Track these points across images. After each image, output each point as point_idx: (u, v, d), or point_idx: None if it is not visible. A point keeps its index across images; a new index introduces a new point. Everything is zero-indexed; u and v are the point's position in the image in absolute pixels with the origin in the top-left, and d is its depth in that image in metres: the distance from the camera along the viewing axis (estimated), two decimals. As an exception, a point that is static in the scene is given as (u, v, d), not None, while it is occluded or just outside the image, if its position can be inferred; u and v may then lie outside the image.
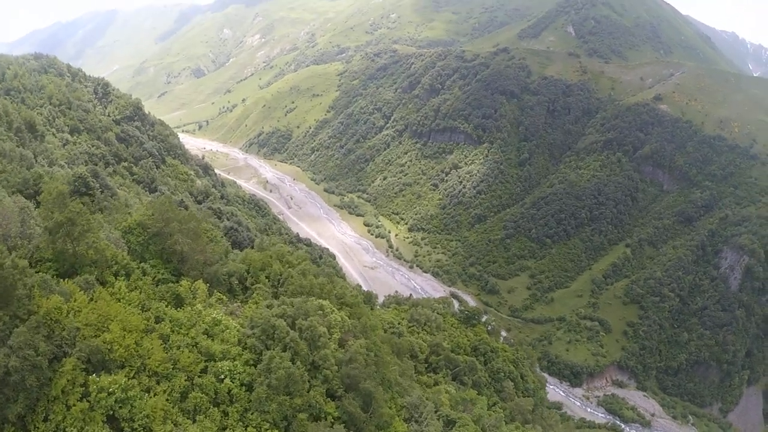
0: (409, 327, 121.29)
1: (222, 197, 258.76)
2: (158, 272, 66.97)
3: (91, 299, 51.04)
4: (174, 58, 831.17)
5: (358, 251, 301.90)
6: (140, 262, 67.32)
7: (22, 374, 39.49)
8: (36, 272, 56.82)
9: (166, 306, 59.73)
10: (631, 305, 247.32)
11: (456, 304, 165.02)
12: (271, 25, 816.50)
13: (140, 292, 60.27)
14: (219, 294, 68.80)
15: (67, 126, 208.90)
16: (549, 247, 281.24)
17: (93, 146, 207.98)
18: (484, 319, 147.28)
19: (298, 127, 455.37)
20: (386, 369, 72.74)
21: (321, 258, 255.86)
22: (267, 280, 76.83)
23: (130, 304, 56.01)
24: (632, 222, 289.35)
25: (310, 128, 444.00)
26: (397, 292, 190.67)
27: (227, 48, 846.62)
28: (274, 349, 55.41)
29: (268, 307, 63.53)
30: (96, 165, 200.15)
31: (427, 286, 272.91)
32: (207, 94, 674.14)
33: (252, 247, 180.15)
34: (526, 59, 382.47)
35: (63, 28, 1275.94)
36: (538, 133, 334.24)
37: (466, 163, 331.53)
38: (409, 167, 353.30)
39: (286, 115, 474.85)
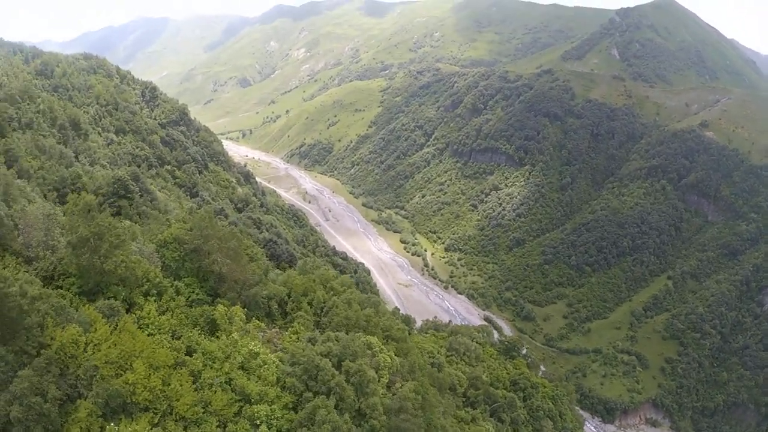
0: (448, 356, 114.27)
1: (262, 206, 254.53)
2: (193, 292, 61.04)
3: (115, 328, 44.48)
4: (221, 68, 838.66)
5: (394, 268, 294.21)
6: (174, 280, 61.44)
7: (26, 425, 32.64)
8: (56, 288, 50.95)
9: (200, 334, 53.43)
10: (670, 341, 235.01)
11: (496, 334, 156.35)
12: (317, 40, 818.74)
13: (172, 315, 54.25)
14: (258, 322, 62.09)
15: (113, 126, 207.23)
16: (588, 276, 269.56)
17: (137, 148, 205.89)
18: (524, 352, 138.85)
19: (339, 140, 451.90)
20: (432, 413, 65.35)
21: (356, 273, 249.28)
22: (309, 306, 70.37)
23: (159, 331, 49.88)
24: (675, 253, 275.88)
25: (352, 142, 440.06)
26: (435, 317, 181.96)
27: (273, 60, 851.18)
28: (317, 394, 48.32)
29: (310, 341, 56.48)
30: (139, 166, 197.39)
31: (461, 309, 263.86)
32: (252, 103, 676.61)
33: (290, 264, 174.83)
34: (570, 81, 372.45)
35: (115, 32, 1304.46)
36: (581, 157, 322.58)
37: (506, 185, 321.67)
38: (448, 186, 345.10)
39: (328, 128, 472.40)
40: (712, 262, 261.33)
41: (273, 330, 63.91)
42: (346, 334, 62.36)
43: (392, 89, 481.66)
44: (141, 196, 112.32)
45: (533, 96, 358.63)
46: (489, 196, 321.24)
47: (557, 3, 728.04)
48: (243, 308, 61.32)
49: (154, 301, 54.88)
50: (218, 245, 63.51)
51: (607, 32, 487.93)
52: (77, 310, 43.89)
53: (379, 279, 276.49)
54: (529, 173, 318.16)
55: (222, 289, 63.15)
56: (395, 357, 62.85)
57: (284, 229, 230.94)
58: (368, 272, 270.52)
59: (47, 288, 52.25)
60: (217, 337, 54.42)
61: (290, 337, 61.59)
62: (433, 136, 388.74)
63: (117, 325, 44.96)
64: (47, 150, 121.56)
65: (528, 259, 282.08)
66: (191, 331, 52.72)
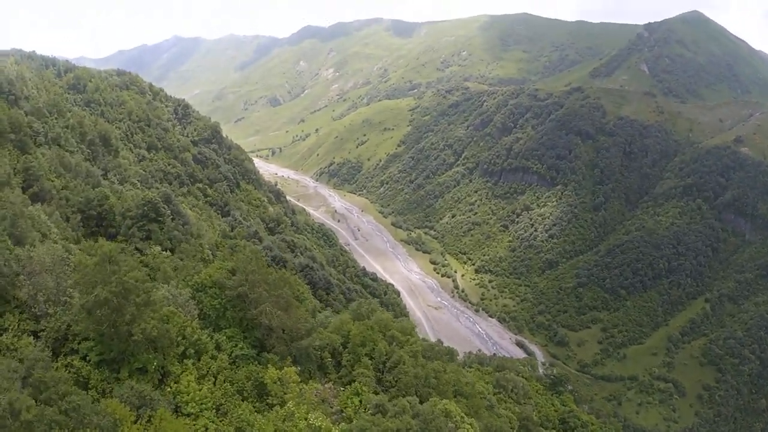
0: (496, 393, 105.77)
1: (292, 224, 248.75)
2: (236, 346, 53.04)
3: (149, 421, 36.63)
4: (252, 87, 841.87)
5: (423, 290, 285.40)
6: (213, 331, 53.52)
7: None
8: (70, 353, 43.29)
9: (249, 406, 45.55)
10: (708, 367, 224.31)
11: (541, 367, 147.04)
12: (345, 60, 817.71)
13: (214, 383, 46.47)
14: (314, 384, 53.65)
15: (145, 143, 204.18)
16: (623, 299, 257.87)
17: (169, 165, 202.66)
18: (570, 388, 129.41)
19: (368, 159, 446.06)
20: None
21: (385, 294, 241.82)
22: (370, 360, 61.75)
23: (202, 409, 42.15)
24: (712, 275, 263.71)
25: (381, 161, 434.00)
26: (478, 351, 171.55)
27: (303, 80, 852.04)
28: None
29: (379, 410, 47.81)
30: (170, 184, 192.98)
31: (492, 333, 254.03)
32: (282, 122, 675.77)
33: (327, 291, 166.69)
34: (600, 98, 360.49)
35: (148, 51, 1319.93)
36: (614, 176, 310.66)
37: (538, 205, 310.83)
38: (478, 206, 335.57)
39: (357, 147, 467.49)
40: (751, 284, 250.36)
41: (327, 385, 55.45)
42: (417, 396, 54.32)
43: (421, 108, 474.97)
44: (173, 219, 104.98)
45: (564, 114, 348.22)
46: (520, 217, 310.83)
47: (583, 20, 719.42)
48: (293, 362, 53.56)
49: (192, 364, 47.28)
50: (267, 293, 55.16)
51: (636, 48, 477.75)
52: (97, 404, 35.83)
53: (408, 301, 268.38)
54: (561, 193, 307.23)
55: (269, 341, 55.06)
56: (475, 424, 54.07)
57: (316, 249, 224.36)
58: (398, 294, 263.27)
59: (60, 355, 44.61)
60: (269, 405, 46.85)
61: (350, 399, 53.16)
62: (463, 156, 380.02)
63: (150, 418, 37.03)
64: (73, 168, 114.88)
65: (561, 281, 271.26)
66: (239, 405, 44.84)
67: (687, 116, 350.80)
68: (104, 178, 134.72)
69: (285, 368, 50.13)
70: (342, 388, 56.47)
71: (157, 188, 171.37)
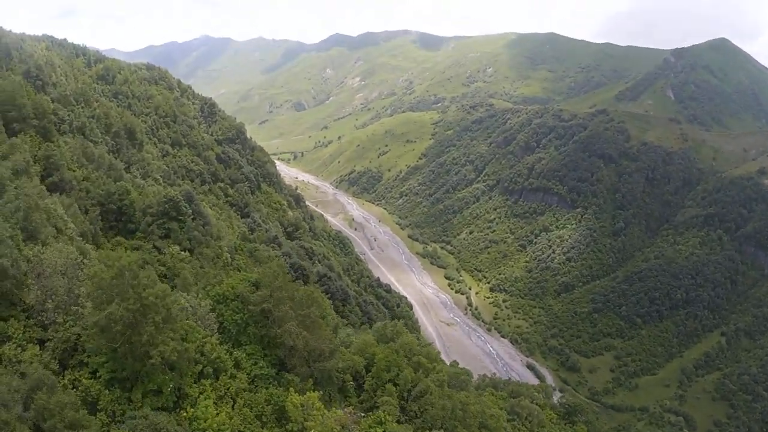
0: (509, 420, 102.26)
1: (310, 230, 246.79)
2: (255, 364, 50.57)
3: None
4: (278, 90, 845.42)
5: (436, 305, 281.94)
6: (233, 347, 51.12)
7: None
8: (78, 366, 41.06)
9: (268, 431, 43.98)
10: (720, 402, 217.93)
11: (556, 395, 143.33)
12: (372, 70, 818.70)
13: (233, 406, 44.15)
14: (337, 410, 50.51)
15: (170, 138, 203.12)
16: (639, 328, 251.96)
17: (192, 162, 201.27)
18: (583, 418, 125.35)
19: (389, 170, 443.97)
20: None
21: (398, 307, 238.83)
22: (394, 386, 58.70)
23: None
24: (730, 308, 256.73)
25: (401, 173, 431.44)
26: (493, 375, 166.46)
27: (328, 86, 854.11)
28: None
29: None
30: (192, 181, 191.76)
31: (503, 353, 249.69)
32: (305, 127, 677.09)
33: (344, 302, 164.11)
34: (625, 122, 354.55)
35: (178, 48, 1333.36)
36: (636, 201, 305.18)
37: (557, 227, 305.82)
38: (497, 224, 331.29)
39: (378, 156, 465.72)
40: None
41: (347, 410, 52.78)
42: (443, 429, 52.78)
43: (444, 122, 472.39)
44: (193, 219, 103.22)
45: (588, 136, 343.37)
46: (539, 238, 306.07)
47: (610, 42, 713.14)
48: (314, 384, 51.30)
49: (210, 384, 44.82)
50: (293, 311, 52.40)
51: (662, 73, 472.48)
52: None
53: (420, 315, 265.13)
54: (581, 216, 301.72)
55: (291, 360, 52.41)
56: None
57: (333, 257, 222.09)
58: (410, 307, 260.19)
59: (68, 368, 41.60)
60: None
61: (373, 429, 50.33)
62: (484, 172, 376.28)
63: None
64: (95, 159, 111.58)
65: (576, 306, 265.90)
66: (259, 433, 41.91)
67: (711, 144, 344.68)
68: (127, 172, 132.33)
69: (308, 393, 47.64)
70: (363, 414, 53.93)
71: (180, 185, 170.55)
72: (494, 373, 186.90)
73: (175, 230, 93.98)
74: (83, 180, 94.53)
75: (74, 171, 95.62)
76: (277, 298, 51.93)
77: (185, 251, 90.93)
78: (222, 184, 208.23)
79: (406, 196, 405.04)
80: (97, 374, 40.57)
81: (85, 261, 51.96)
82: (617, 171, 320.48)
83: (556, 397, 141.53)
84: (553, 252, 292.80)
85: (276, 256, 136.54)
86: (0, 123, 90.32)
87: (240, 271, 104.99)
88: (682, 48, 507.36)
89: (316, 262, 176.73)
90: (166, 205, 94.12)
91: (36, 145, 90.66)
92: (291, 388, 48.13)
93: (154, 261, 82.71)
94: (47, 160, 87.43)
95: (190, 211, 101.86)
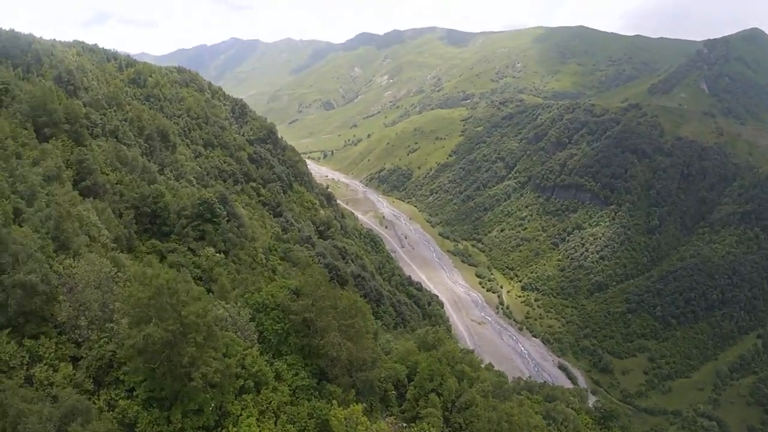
0: (546, 426, 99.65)
1: (341, 228, 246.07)
2: (296, 375, 49.10)
3: None
4: (306, 90, 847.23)
5: (468, 303, 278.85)
6: (273, 357, 49.72)
7: None
8: (114, 384, 39.79)
9: None
10: (755, 407, 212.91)
11: (591, 399, 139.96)
12: (399, 68, 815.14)
13: (275, 422, 43.03)
14: (378, 420, 49.41)
15: (202, 139, 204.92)
16: (673, 329, 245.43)
17: (225, 163, 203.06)
18: (620, 424, 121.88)
19: (419, 167, 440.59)
20: None
21: (429, 305, 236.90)
22: (437, 396, 56.86)
23: None
24: (767, 309, 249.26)
25: (431, 170, 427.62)
26: (528, 378, 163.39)
27: (356, 85, 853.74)
28: None
29: None
30: (225, 181, 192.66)
31: (535, 353, 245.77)
32: (334, 126, 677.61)
33: (378, 302, 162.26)
34: (658, 117, 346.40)
35: (207, 51, 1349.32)
36: (671, 198, 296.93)
37: (590, 224, 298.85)
38: (528, 222, 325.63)
39: (408, 154, 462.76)
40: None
41: (389, 419, 51.05)
42: None
43: (474, 119, 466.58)
44: (228, 220, 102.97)
45: (621, 131, 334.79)
46: (571, 235, 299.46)
47: (640, 34, 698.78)
48: (356, 395, 49.93)
49: (252, 399, 43.55)
50: (336, 321, 50.64)
51: (695, 65, 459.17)
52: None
53: (452, 314, 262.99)
54: (615, 213, 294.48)
55: (332, 370, 50.84)
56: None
57: (365, 256, 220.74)
58: (441, 305, 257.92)
59: (103, 386, 40.12)
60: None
61: None
62: (515, 169, 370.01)
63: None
64: (129, 162, 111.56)
65: (610, 305, 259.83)
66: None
67: (747, 139, 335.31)
68: (160, 174, 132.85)
69: (351, 406, 46.11)
70: (404, 425, 52.24)
71: (213, 186, 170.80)
72: (529, 376, 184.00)
73: (209, 232, 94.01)
74: (117, 183, 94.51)
75: (107, 175, 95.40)
76: (319, 308, 50.38)
77: (220, 253, 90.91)
78: (254, 184, 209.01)
79: (436, 193, 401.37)
80: (134, 393, 39.44)
81: (119, 274, 50.50)
82: (651, 167, 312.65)
83: (591, 400, 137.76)
84: (586, 250, 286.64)
85: (310, 257, 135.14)
86: (31, 128, 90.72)
87: (275, 273, 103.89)
88: (715, 39, 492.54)
89: (349, 261, 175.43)
90: (201, 207, 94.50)
91: (68, 150, 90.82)
92: (334, 401, 46.82)
93: (189, 264, 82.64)
94: (80, 165, 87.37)
95: (225, 212, 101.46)
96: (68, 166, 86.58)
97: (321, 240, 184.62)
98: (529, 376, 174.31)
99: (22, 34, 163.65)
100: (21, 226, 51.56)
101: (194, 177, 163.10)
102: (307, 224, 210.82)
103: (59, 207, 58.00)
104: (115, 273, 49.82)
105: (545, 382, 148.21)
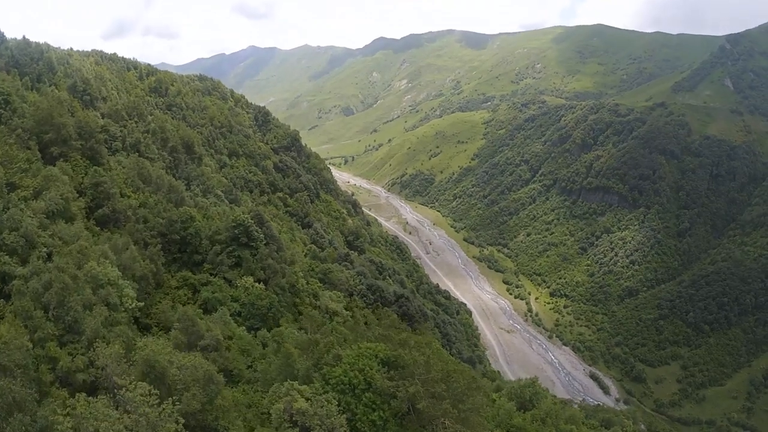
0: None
1: (368, 236, 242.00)
2: None
3: None
4: (325, 96, 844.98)
5: (495, 311, 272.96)
6: None
7: None
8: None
9: None
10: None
11: (642, 420, 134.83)
12: (418, 71, 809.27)
13: None
14: None
15: (226, 149, 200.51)
16: (706, 335, 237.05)
17: (250, 173, 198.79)
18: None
19: (441, 172, 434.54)
20: None
21: (458, 314, 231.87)
22: None
23: None
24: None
25: (454, 174, 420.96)
26: (582, 401, 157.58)
27: (375, 90, 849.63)
28: None
29: None
30: (251, 192, 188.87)
31: (565, 362, 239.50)
32: (354, 131, 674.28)
33: (423, 313, 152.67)
34: (685, 115, 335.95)
35: (226, 60, 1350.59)
36: (700, 200, 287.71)
37: (619, 228, 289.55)
38: (555, 226, 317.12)
39: (430, 158, 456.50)
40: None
41: None
42: None
43: (495, 121, 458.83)
44: (266, 244, 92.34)
45: (647, 131, 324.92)
46: (600, 240, 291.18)
47: (660, 30, 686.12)
48: None
49: None
50: (452, 406, 41.57)
51: (718, 61, 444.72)
52: None
53: (480, 322, 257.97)
54: (644, 216, 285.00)
55: None
56: None
57: (392, 264, 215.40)
58: (469, 314, 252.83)
59: None
60: None
61: None
62: (540, 172, 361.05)
63: None
64: (153, 180, 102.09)
65: (641, 312, 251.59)
66: None
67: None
68: (186, 189, 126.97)
69: None
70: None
71: (241, 199, 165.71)
72: (572, 398, 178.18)
73: (246, 259, 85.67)
74: (139, 207, 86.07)
75: (129, 197, 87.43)
76: (431, 392, 41.40)
77: (259, 282, 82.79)
78: (281, 194, 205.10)
79: (459, 198, 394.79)
80: None
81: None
82: (680, 167, 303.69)
83: (644, 425, 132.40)
84: (616, 254, 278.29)
85: (350, 277, 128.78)
86: (35, 147, 79.53)
87: (317, 298, 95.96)
88: (737, 34, 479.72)
89: (387, 277, 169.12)
90: (236, 231, 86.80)
91: (81, 171, 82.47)
92: None
93: (227, 299, 76.25)
94: (96, 189, 78.76)
95: (262, 235, 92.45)
96: (81, 192, 78.34)
97: (357, 255, 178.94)
98: (573, 397, 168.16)
99: (34, 42, 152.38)
100: (9, 302, 42.35)
101: (222, 191, 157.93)
102: (336, 235, 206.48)
103: (62, 274, 45.97)
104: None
105: (598, 404, 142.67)
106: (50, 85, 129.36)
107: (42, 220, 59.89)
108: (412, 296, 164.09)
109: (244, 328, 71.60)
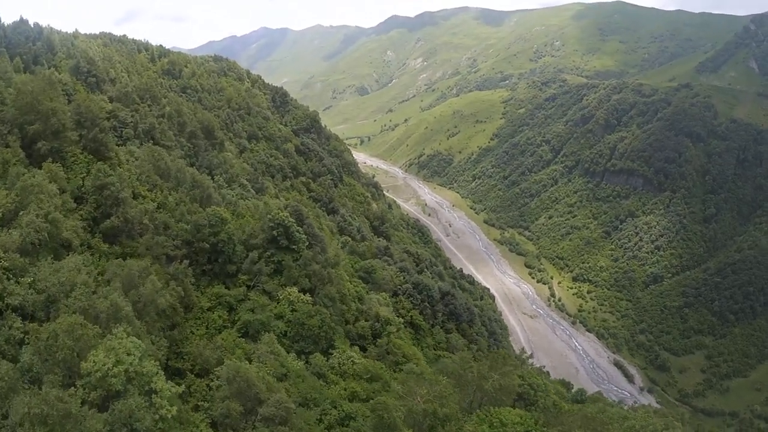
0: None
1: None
2: None
3: None
4: (340, 76, 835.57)
5: (518, 296, 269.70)
6: None
7: None
8: None
9: None
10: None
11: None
12: (433, 50, 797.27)
13: None
14: None
15: (245, 132, 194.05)
16: (732, 325, 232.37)
17: (271, 156, 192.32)
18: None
19: (460, 152, 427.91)
20: None
21: (482, 299, 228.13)
22: None
23: None
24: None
25: (473, 154, 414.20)
26: (588, 376, 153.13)
27: (390, 69, 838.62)
28: None
29: None
30: (273, 177, 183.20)
31: (589, 349, 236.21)
32: (370, 111, 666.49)
33: (470, 323, 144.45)
34: (711, 98, 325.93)
35: (238, 41, 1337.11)
36: (727, 185, 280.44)
37: (644, 212, 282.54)
38: (578, 209, 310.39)
39: (448, 138, 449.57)
40: None
41: None
42: None
43: (515, 100, 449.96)
44: (309, 246, 79.54)
45: (673, 113, 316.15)
46: (624, 224, 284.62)
47: (682, 9, 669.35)
48: None
49: None
50: None
51: (743, 42, 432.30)
52: None
53: (503, 308, 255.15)
54: (669, 200, 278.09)
55: None
56: None
57: (413, 246, 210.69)
58: (493, 299, 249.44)
59: None
60: None
61: None
62: (562, 153, 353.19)
63: None
64: (173, 174, 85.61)
65: (666, 299, 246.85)
66: None
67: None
68: (211, 179, 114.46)
69: None
70: None
71: (264, 185, 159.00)
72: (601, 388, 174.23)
73: (288, 265, 73.59)
74: (158, 209, 70.60)
75: (144, 199, 71.69)
76: None
77: (304, 293, 71.41)
78: (304, 179, 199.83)
79: (479, 179, 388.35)
80: None
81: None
82: (706, 151, 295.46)
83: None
84: (641, 239, 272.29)
85: (393, 274, 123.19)
86: (17, 144, 60.43)
87: (361, 301, 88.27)
88: (762, 14, 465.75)
89: (424, 269, 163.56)
90: (274, 232, 74.51)
91: (82, 170, 64.69)
92: None
93: (270, 319, 64.54)
94: (100, 193, 61.35)
95: (304, 235, 79.30)
96: (81, 198, 61.70)
97: (390, 244, 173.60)
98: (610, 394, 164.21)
99: (34, 23, 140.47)
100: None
101: (247, 179, 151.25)
102: (361, 220, 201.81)
103: (48, 406, 29.62)
104: None
105: (634, 403, 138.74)
106: (49, 67, 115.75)
107: (14, 262, 42.14)
108: (456, 292, 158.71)
109: (293, 354, 61.82)
